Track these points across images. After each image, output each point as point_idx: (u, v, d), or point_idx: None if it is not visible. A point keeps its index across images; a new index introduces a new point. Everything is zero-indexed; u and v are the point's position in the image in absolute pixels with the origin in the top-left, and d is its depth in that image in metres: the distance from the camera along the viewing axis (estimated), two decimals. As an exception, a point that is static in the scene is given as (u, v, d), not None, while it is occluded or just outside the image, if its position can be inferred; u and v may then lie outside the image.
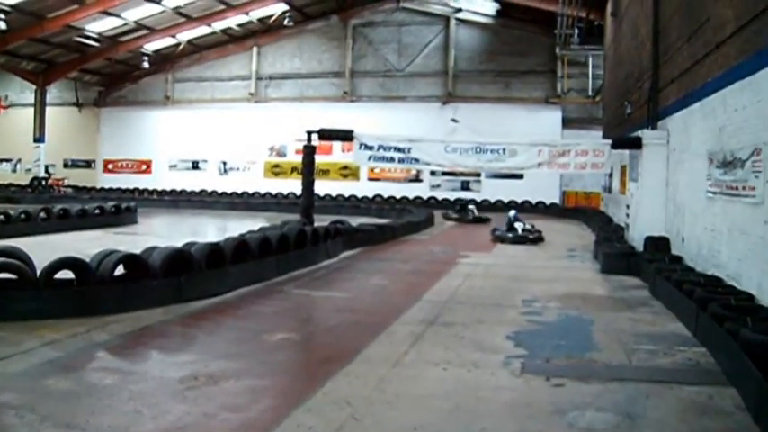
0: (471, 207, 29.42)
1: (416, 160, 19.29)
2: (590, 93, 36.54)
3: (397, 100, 38.12)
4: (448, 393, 6.37)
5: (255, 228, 16.43)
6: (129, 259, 10.11)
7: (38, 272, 9.37)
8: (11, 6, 32.26)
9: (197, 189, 40.13)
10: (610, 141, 18.96)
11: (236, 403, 6.03)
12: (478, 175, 36.28)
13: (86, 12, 33.73)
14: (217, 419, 5.65)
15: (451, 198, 36.08)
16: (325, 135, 20.08)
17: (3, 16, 32.27)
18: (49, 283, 9.30)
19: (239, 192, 39.01)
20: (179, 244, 11.61)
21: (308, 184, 19.39)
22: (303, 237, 14.58)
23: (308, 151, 19.25)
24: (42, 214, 21.88)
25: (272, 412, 5.84)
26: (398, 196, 36.05)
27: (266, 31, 40.41)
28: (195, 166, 42.66)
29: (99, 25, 36.64)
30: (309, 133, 19.15)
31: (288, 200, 35.05)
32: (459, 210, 29.51)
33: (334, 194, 34.84)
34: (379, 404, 6.06)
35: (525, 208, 32.37)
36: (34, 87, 42.90)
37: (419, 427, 5.48)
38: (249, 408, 5.97)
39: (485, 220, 27.60)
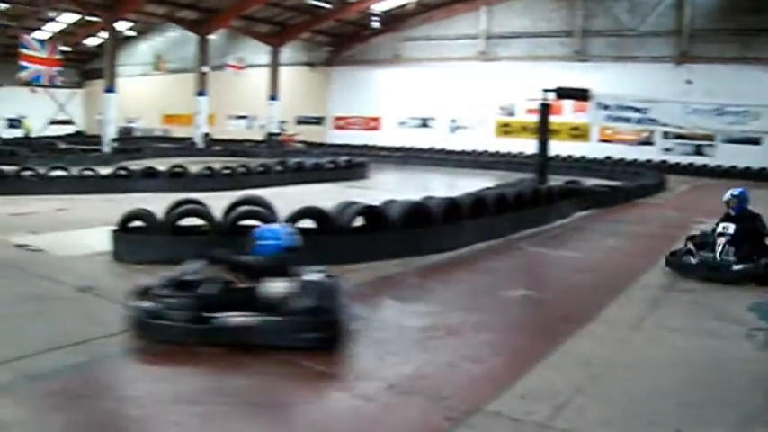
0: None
1: (654, 121, 18.71)
2: None
3: (629, 60, 36.66)
4: (687, 361, 6.19)
5: (484, 186, 16.48)
6: (368, 211, 10.41)
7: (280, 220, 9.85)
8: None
9: (426, 146, 40.44)
10: None
11: (477, 355, 6.15)
12: (712, 138, 34.52)
13: (317, -24, 34.69)
14: (459, 369, 5.78)
15: (683, 162, 34.60)
16: (562, 94, 19.79)
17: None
18: (291, 230, 9.76)
19: (468, 150, 39.03)
20: (411, 198, 11.80)
21: (542, 143, 19.20)
22: (538, 195, 14.47)
23: (544, 110, 19.04)
24: (278, 167, 22.90)
25: (513, 366, 5.92)
26: (629, 159, 34.94)
27: (497, -10, 40.11)
28: (424, 123, 43.03)
29: (330, -13, 37.52)
30: (546, 92, 18.92)
31: (517, 159, 34.71)
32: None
33: (563, 155, 34.22)
34: (619, 366, 6.00)
35: (763, 175, 30.55)
36: (269, 49, 44.71)
37: (658, 393, 5.37)
38: (490, 360, 6.09)
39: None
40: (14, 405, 4.99)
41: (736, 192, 10.19)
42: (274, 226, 7.52)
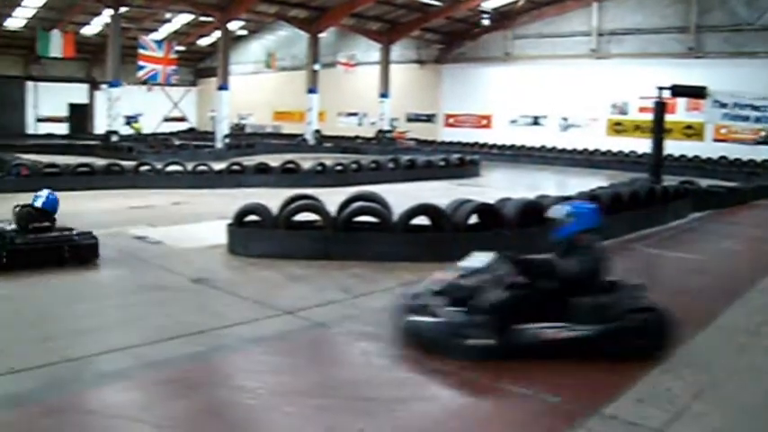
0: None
1: (774, 119, 18.12)
2: None
3: (747, 56, 35.41)
4: (813, 369, 5.91)
5: (596, 185, 16.21)
6: (483, 209, 10.35)
7: (394, 217, 9.89)
8: (360, -28, 33.94)
9: (537, 145, 39.68)
10: None
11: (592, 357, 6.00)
12: (835, 138, 33.16)
13: (428, -28, 34.68)
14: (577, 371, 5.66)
15: (805, 163, 33.32)
16: (678, 91, 19.30)
17: (353, -19, 34.09)
18: (406, 228, 9.79)
19: (579, 148, 38.40)
20: (524, 196, 11.68)
21: (657, 142, 18.75)
22: (653, 195, 14.15)
23: (659, 108, 18.61)
24: (391, 164, 22.99)
25: (629, 369, 5.70)
26: (745, 159, 33.81)
27: (607, -15, 39.38)
28: (535, 121, 42.52)
29: (440, -15, 37.45)
30: (661, 89, 18.50)
31: (629, 158, 34.05)
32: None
33: (676, 154, 33.38)
34: (738, 373, 5.79)
35: None
36: (379, 46, 44.85)
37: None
38: (609, 366, 5.91)
39: None
40: (134, 390, 5.17)
41: None
42: (579, 202, 7.21)
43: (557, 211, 6.34)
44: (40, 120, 51.59)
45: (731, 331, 6.95)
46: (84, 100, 53.96)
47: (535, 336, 5.59)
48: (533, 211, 10.62)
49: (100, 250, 9.24)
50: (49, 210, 9.42)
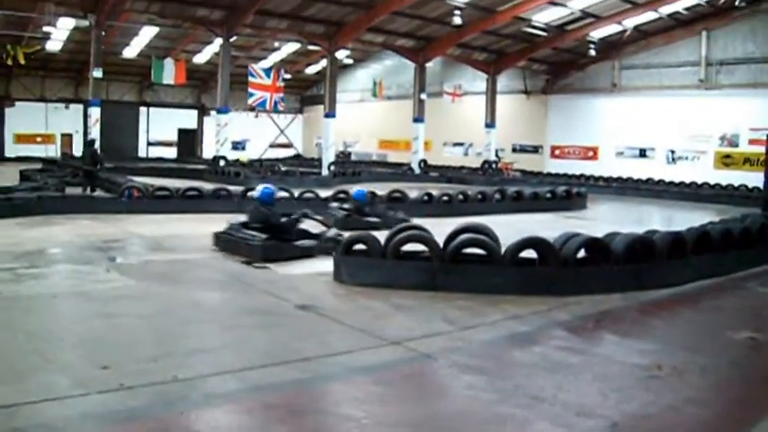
0: None
1: None
2: None
3: None
4: None
5: (704, 220, 15.77)
6: (591, 243, 10.19)
7: (502, 249, 9.81)
8: (465, 3, 34.07)
9: (644, 177, 38.77)
10: None
11: (701, 398, 5.83)
12: None
13: (534, 3, 34.42)
14: (683, 413, 5.49)
15: None
16: (793, 123, 18.82)
17: (458, 12, 34.15)
18: (514, 261, 9.70)
19: (686, 182, 37.60)
20: (632, 231, 11.47)
21: (769, 175, 18.24)
22: (766, 231, 13.69)
23: (775, 140, 18.14)
24: (497, 195, 22.87)
25: (739, 414, 5.57)
26: None
27: (715, 13, 38.21)
28: (642, 153, 41.75)
29: (545, 15, 37.09)
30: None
31: (739, 192, 33.17)
32: None
33: (788, 188, 32.48)
34: None
35: None
36: (485, 76, 44.88)
37: None
38: (715, 405, 5.76)
39: None
40: (240, 413, 5.23)
41: None
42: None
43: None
44: (151, 144, 53.42)
45: None
46: (192, 125, 55.75)
47: None
48: (642, 246, 10.41)
49: (207, 273, 9.44)
50: (266, 201, 12.15)
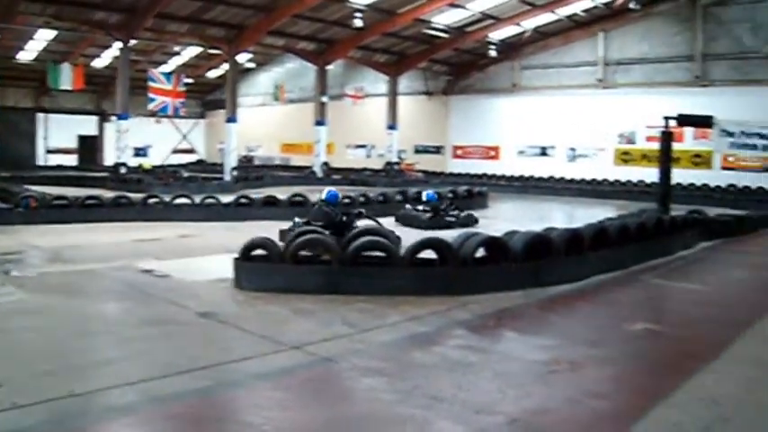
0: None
1: (782, 147, 18.15)
2: None
3: (753, 83, 35.31)
4: (823, 402, 5.85)
5: (604, 216, 16.21)
6: (490, 242, 10.36)
7: (401, 250, 9.91)
8: (366, 6, 34.19)
9: (545, 175, 39.79)
10: None
11: (599, 391, 5.98)
12: None
13: (434, 5, 34.78)
14: (581, 405, 5.65)
15: (815, 189, 33.24)
16: (684, 121, 19.38)
17: (359, 15, 34.28)
18: (413, 262, 9.80)
19: (587, 179, 38.39)
20: (532, 229, 11.71)
21: (664, 172, 18.76)
22: (661, 226, 14.12)
23: (666, 137, 18.65)
24: (399, 196, 23.03)
25: (635, 403, 5.72)
26: (753, 186, 33.71)
27: (612, 15, 39.15)
28: (543, 152, 42.51)
29: (446, 17, 37.51)
30: (667, 119, 18.54)
31: (637, 188, 34.07)
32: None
33: (685, 183, 33.35)
34: (749, 407, 5.70)
35: None
36: (387, 78, 45.15)
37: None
38: (612, 397, 5.93)
39: None
40: (139, 425, 5.17)
41: None
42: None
43: None
44: (49, 151, 52.19)
45: (740, 363, 6.89)
46: (93, 132, 54.46)
47: None
48: (540, 243, 10.63)
49: (107, 284, 9.30)
50: (331, 201, 13.19)
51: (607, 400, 5.81)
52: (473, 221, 18.98)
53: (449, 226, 17.75)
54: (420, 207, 19.43)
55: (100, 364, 6.39)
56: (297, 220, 13.72)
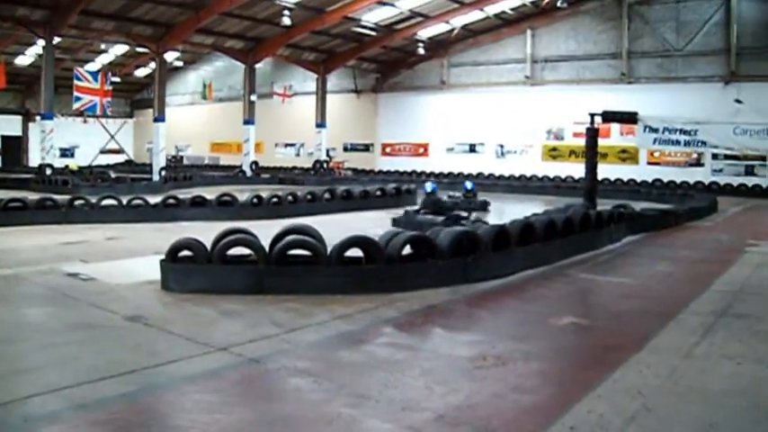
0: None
1: (703, 143, 18.57)
2: None
3: (676, 81, 36.23)
4: (744, 390, 5.98)
5: (533, 211, 16.38)
6: (417, 239, 10.41)
7: (328, 249, 9.90)
8: (294, 4, 34.35)
9: (474, 172, 40.12)
10: None
11: (525, 385, 6.05)
12: (764, 159, 33.91)
13: (363, 3, 35.08)
14: (507, 400, 5.70)
15: (734, 184, 34.15)
16: (609, 117, 19.73)
17: (287, 12, 34.28)
18: (340, 260, 9.81)
19: (516, 175, 38.90)
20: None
21: (591, 168, 19.08)
22: (587, 220, 14.32)
23: (591, 134, 18.98)
24: (327, 195, 23.06)
25: (561, 396, 5.80)
26: (678, 181, 34.53)
27: (540, 13, 39.87)
28: (472, 149, 42.96)
29: (375, 15, 37.84)
30: (592, 116, 18.84)
31: (566, 183, 34.73)
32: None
33: (612, 178, 34.03)
34: (672, 396, 5.81)
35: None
36: (315, 76, 45.32)
37: (714, 425, 5.21)
38: (538, 390, 5.98)
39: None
40: (64, 434, 5.01)
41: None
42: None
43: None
44: (-30, 153, 50.86)
45: (664, 354, 7.01)
46: (17, 132, 53.30)
47: None
48: (467, 240, 10.71)
49: (30, 289, 9.11)
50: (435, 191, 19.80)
51: (533, 394, 5.87)
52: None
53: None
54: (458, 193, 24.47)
55: (21, 372, 6.23)
56: (408, 209, 19.43)
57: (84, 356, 6.74)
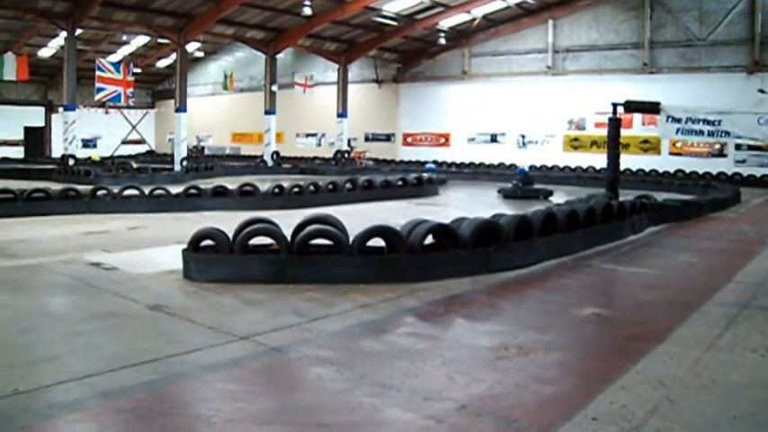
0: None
1: (727, 133, 18.36)
2: None
3: (699, 70, 35.83)
4: (767, 383, 5.94)
5: (553, 201, 16.35)
6: (438, 229, 10.40)
7: (350, 239, 9.91)
8: (314, -6, 34.29)
9: (495, 162, 40.16)
10: None
11: (547, 376, 6.02)
12: (788, 149, 33.58)
13: (384, -7, 34.98)
14: (529, 390, 5.67)
15: (758, 175, 33.72)
16: (632, 107, 19.58)
17: (308, 2, 34.24)
18: (362, 250, 9.81)
19: (537, 165, 38.70)
20: (481, 215, 11.75)
21: (613, 158, 18.93)
22: (609, 211, 14.23)
23: (614, 124, 18.82)
24: (348, 185, 23.04)
25: (583, 387, 5.78)
26: (701, 171, 34.18)
27: (561, 3, 39.55)
28: (494, 139, 42.79)
29: (395, 5, 37.60)
30: (615, 105, 18.71)
31: (587, 174, 34.53)
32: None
33: (634, 169, 33.77)
34: (695, 388, 5.76)
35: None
36: (336, 66, 45.26)
37: (737, 417, 5.16)
38: (560, 381, 5.95)
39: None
40: (86, 421, 5.06)
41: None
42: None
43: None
44: (-6, 143, 51.20)
45: (687, 345, 6.95)
46: (40, 123, 53.60)
47: None
48: (489, 230, 10.68)
49: (54, 279, 9.16)
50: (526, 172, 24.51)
51: (555, 385, 5.84)
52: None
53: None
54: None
55: (45, 360, 6.26)
56: (504, 187, 25.59)
57: (107, 345, 6.77)
